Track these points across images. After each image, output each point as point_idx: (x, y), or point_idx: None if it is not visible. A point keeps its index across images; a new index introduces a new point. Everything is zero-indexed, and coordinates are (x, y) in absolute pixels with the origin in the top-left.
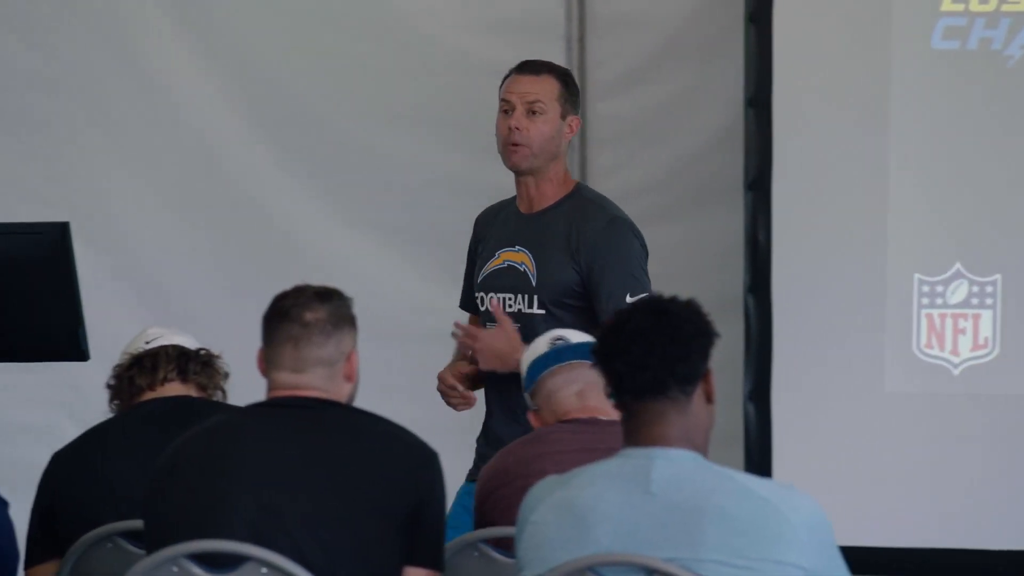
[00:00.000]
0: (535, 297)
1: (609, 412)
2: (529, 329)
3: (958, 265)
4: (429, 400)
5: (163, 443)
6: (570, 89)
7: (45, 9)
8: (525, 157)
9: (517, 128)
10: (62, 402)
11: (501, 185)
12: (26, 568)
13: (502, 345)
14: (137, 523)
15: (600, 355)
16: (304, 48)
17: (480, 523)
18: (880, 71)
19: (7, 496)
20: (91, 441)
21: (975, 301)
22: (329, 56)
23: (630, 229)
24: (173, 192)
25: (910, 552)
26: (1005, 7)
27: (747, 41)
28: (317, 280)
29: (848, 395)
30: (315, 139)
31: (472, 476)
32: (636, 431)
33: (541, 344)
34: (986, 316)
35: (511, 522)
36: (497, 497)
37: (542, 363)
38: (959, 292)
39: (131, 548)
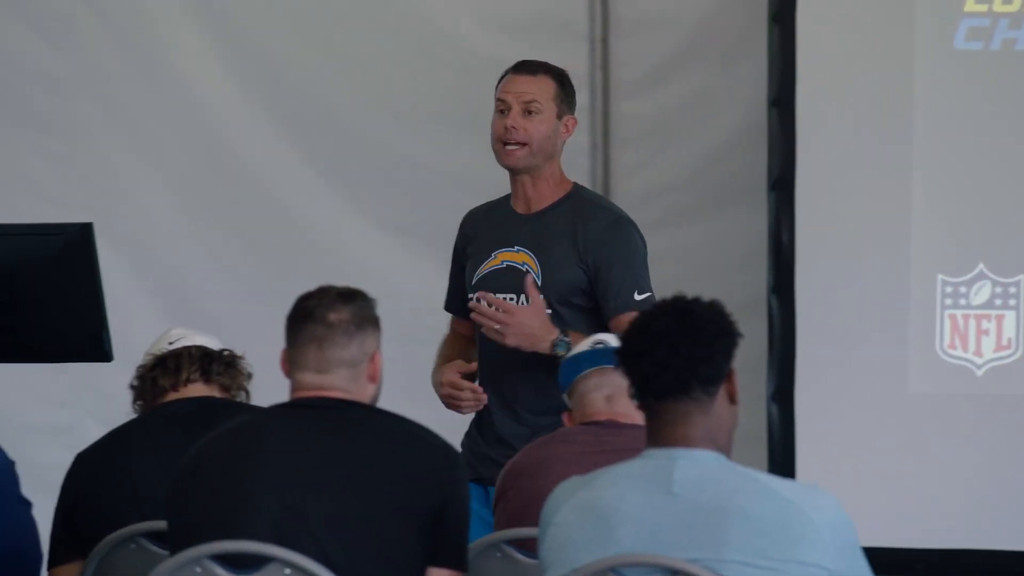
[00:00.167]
0: (540, 297)
1: (635, 417)
2: None
3: (981, 266)
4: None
5: (186, 444)
6: (566, 89)
7: (65, 8)
8: (522, 156)
9: (513, 127)
10: (85, 403)
11: None
12: (49, 568)
13: (538, 325)
14: (160, 524)
15: (624, 356)
16: (325, 48)
17: (497, 521)
18: (903, 71)
19: (31, 496)
20: (114, 442)
21: (998, 302)
22: (352, 57)
23: (634, 228)
24: (195, 192)
25: (933, 553)
26: None
27: (770, 41)
28: (340, 281)
29: (871, 396)
30: (336, 139)
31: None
32: (659, 432)
33: (582, 345)
34: (1009, 317)
35: (520, 521)
36: (508, 496)
37: (578, 364)
38: (982, 293)
39: (154, 549)
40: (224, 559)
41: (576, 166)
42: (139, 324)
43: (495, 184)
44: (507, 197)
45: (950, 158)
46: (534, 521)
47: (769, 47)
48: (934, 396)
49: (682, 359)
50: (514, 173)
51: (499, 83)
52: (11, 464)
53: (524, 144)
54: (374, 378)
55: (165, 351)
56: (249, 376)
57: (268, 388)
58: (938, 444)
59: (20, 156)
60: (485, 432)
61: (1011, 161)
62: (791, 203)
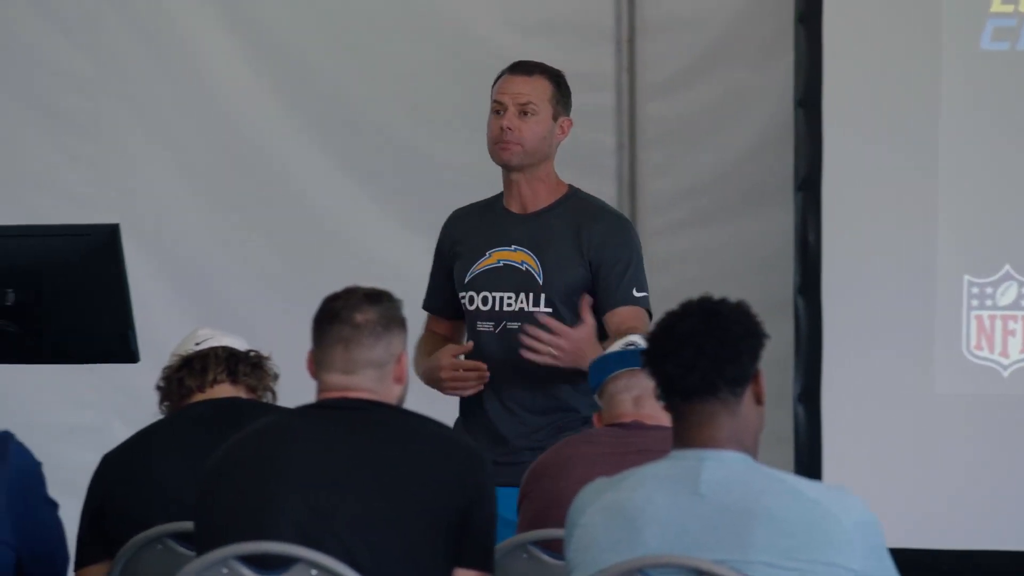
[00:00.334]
0: (541, 296)
1: (662, 419)
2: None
3: (1007, 267)
4: None
5: (213, 445)
6: (562, 91)
7: (91, 9)
8: (516, 153)
9: (509, 128)
10: (112, 404)
11: None
12: (76, 569)
13: (590, 348)
14: (187, 524)
15: (650, 357)
16: (351, 48)
17: (520, 522)
18: (929, 72)
19: (57, 497)
20: (141, 443)
21: None
22: (378, 58)
23: (634, 229)
24: (221, 192)
25: (959, 554)
26: None
27: (797, 42)
28: (366, 281)
29: (898, 396)
30: (362, 139)
31: None
32: (686, 433)
33: (614, 347)
34: None
35: (543, 522)
36: (531, 497)
37: (608, 365)
38: (1009, 294)
39: (181, 549)
40: (250, 560)
41: (602, 167)
42: (165, 325)
43: None
44: (497, 197)
45: (976, 159)
46: (557, 522)
47: (796, 48)
48: (960, 397)
49: (709, 360)
50: (508, 171)
51: (495, 83)
52: (38, 465)
53: (518, 145)
54: (400, 379)
55: (192, 352)
56: (275, 377)
57: (294, 389)
58: (964, 445)
59: (46, 156)
60: (485, 428)
61: None
62: (817, 204)
